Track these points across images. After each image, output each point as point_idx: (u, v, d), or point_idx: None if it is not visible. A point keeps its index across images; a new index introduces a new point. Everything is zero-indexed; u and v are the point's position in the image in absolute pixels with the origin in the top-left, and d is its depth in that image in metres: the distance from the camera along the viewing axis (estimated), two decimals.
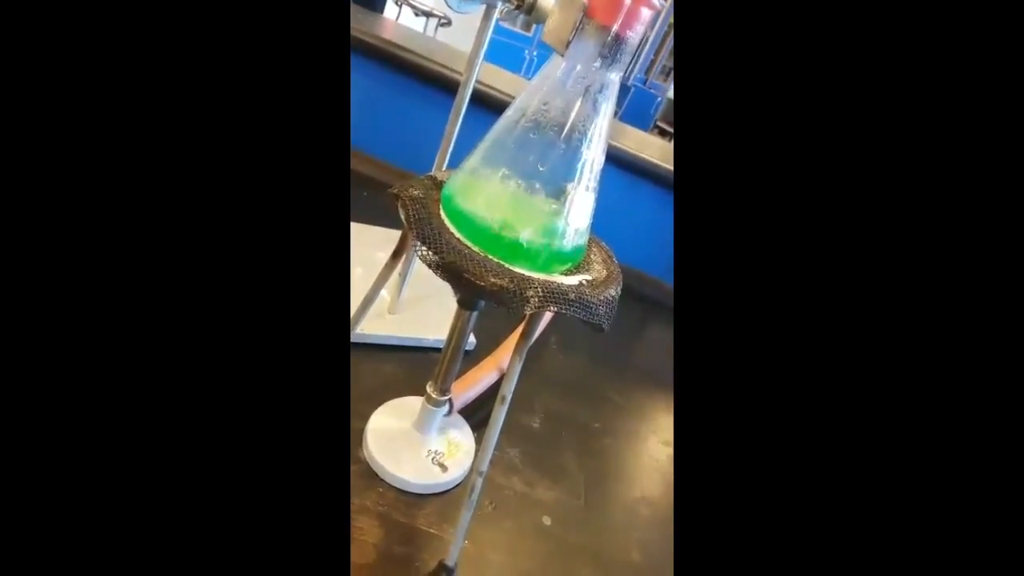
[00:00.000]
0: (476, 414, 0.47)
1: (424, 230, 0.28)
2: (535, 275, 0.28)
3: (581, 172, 0.29)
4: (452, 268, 0.27)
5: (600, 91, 0.28)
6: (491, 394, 0.49)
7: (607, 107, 0.28)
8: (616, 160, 0.83)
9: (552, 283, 0.28)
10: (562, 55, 0.27)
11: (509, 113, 0.30)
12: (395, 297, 0.54)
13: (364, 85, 0.86)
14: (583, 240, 0.31)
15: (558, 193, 0.29)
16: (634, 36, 0.27)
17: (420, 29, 2.43)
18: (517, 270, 0.28)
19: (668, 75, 3.27)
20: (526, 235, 0.28)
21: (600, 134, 0.29)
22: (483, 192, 0.29)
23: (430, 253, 0.27)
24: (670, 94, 3.08)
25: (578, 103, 0.28)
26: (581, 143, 0.28)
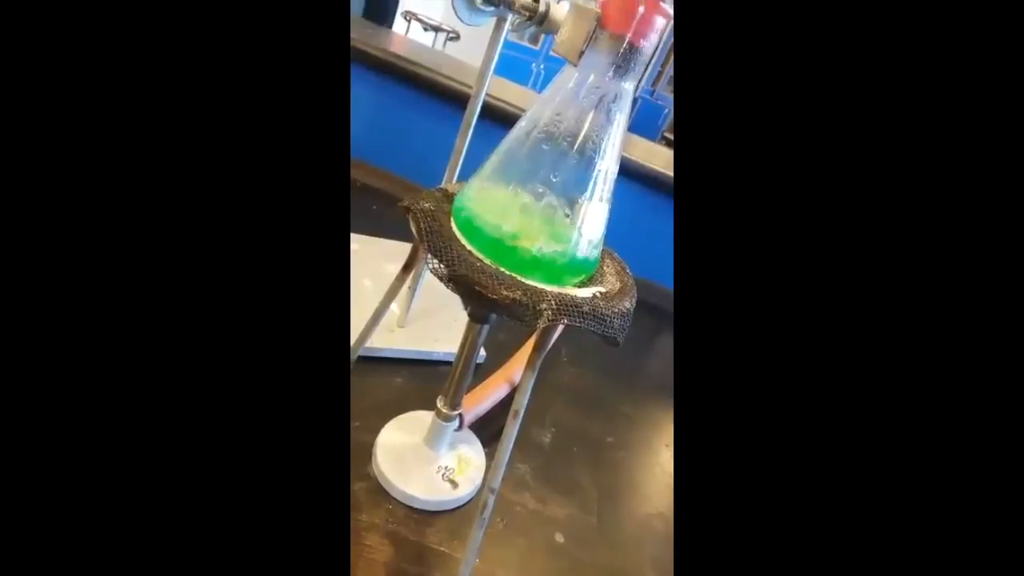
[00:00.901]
0: (486, 428, 0.47)
1: (436, 243, 0.27)
2: (548, 288, 0.28)
3: (595, 183, 0.28)
4: (464, 281, 0.26)
5: (614, 101, 0.27)
6: (500, 408, 0.48)
7: (621, 117, 0.28)
8: (624, 170, 0.83)
9: (566, 296, 0.27)
10: (575, 66, 0.27)
11: (521, 124, 0.29)
12: (404, 310, 0.54)
13: (374, 99, 0.87)
14: (597, 252, 0.31)
15: (571, 204, 0.28)
16: (648, 45, 0.26)
17: (429, 43, 2.45)
18: (530, 283, 0.27)
19: None
20: (539, 247, 0.28)
21: (614, 145, 0.28)
22: (495, 204, 0.29)
23: (441, 266, 0.27)
24: None
25: (591, 114, 0.27)
26: (595, 154, 0.28)
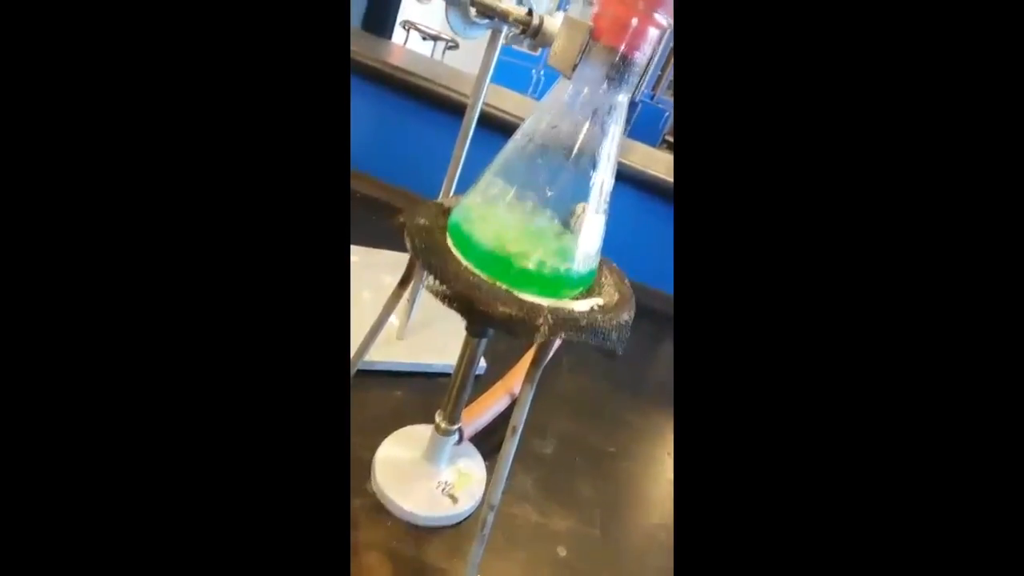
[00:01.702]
0: (487, 441, 0.46)
1: (431, 259, 0.27)
2: (545, 302, 0.27)
3: (590, 195, 0.28)
4: (460, 298, 0.26)
5: (608, 113, 0.27)
6: (502, 420, 0.48)
7: (615, 129, 0.28)
8: (624, 176, 0.83)
9: (563, 309, 0.27)
10: (569, 78, 0.27)
11: (516, 137, 0.29)
12: (403, 323, 0.53)
13: (373, 110, 0.87)
14: (594, 264, 0.30)
15: (567, 217, 0.28)
16: (641, 57, 0.26)
17: (428, 53, 2.46)
18: (526, 297, 0.27)
19: None
20: (535, 261, 0.28)
21: (609, 156, 0.28)
22: (490, 219, 0.29)
23: (437, 283, 0.26)
24: None
25: (586, 126, 0.27)
26: (590, 166, 0.28)
